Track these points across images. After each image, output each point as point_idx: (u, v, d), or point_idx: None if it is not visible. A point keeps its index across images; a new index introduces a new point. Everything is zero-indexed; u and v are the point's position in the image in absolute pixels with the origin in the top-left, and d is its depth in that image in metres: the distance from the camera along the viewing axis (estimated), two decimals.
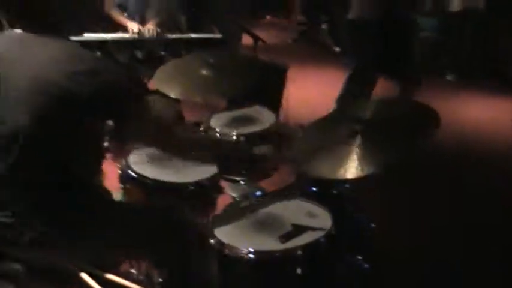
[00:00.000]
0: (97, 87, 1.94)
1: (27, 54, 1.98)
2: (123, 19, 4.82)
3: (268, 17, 11.80)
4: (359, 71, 5.14)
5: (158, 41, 4.61)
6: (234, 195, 3.03)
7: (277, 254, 2.11)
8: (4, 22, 2.31)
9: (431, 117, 2.26)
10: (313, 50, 9.12)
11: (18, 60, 1.97)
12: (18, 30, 2.03)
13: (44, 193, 2.00)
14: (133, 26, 4.66)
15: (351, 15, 5.06)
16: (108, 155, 3.96)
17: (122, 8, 4.92)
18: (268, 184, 3.14)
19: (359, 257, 2.60)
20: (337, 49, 9.04)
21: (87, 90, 1.92)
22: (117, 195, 2.48)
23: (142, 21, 4.79)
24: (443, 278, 3.24)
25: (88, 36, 4.44)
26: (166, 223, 2.24)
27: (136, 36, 4.60)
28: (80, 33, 4.31)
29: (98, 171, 2.30)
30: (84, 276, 2.08)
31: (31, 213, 1.99)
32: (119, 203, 2.45)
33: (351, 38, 5.32)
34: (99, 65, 2.02)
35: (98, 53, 4.28)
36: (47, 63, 1.95)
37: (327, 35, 9.50)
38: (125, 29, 4.72)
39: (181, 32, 4.96)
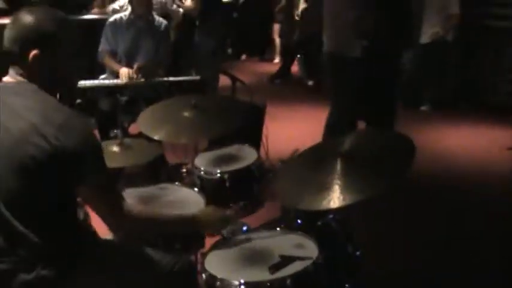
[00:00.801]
0: (66, 143, 1.93)
1: (8, 104, 2.00)
2: (114, 64, 4.91)
3: (243, 56, 11.98)
4: (341, 104, 5.21)
5: (139, 86, 4.69)
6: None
7: (268, 284, 2.16)
8: None
9: (408, 147, 2.35)
10: (289, 87, 9.27)
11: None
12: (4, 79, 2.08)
13: (30, 240, 1.99)
14: (121, 69, 4.76)
15: (329, 49, 5.15)
16: None
17: (112, 54, 5.02)
18: (254, 219, 3.20)
19: (347, 285, 2.66)
20: (310, 83, 9.20)
21: (64, 141, 1.92)
22: (109, 235, 2.52)
23: (129, 67, 4.88)
24: None
25: None
26: (158, 260, 2.28)
27: (117, 81, 4.68)
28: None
29: (87, 215, 2.33)
30: None
31: (19, 258, 2.00)
32: (111, 243, 2.49)
33: (330, 71, 5.36)
34: (73, 119, 2.00)
35: (80, 100, 4.36)
36: (28, 113, 1.96)
37: (302, 71, 9.69)
38: (111, 75, 4.81)
39: (162, 76, 5.05)
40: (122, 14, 5.14)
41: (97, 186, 2.06)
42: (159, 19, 5.20)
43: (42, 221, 2.01)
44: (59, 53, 2.09)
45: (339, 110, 5.00)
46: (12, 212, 1.97)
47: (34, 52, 2.03)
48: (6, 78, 2.09)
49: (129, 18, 5.05)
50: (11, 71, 2.09)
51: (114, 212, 2.12)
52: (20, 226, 1.98)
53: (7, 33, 2.06)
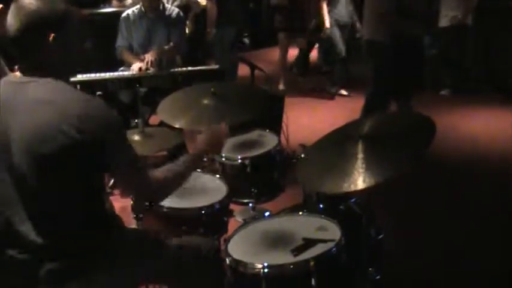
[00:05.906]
0: (93, 129, 1.93)
1: (25, 99, 1.98)
2: (130, 58, 4.93)
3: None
4: (375, 92, 5.29)
5: (158, 76, 4.70)
6: (243, 218, 3.11)
7: (291, 267, 2.18)
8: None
9: (429, 130, 2.34)
10: (307, 76, 9.24)
11: (17, 106, 1.98)
12: (16, 75, 2.06)
13: (59, 229, 2.02)
14: (134, 64, 4.77)
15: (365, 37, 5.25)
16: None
17: (129, 48, 5.04)
18: (276, 205, 3.22)
19: (370, 268, 2.67)
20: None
21: (86, 132, 1.91)
22: (131, 225, 2.55)
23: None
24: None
25: (90, 76, 4.56)
26: (183, 248, 2.30)
27: (136, 73, 4.70)
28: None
29: (111, 204, 2.32)
30: None
31: (47, 248, 2.02)
32: (137, 232, 2.51)
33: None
34: (92, 106, 1.98)
35: (100, 92, 4.39)
36: (46, 107, 1.94)
37: (321, 59, 9.62)
38: (128, 68, 4.83)
39: (179, 63, 5.07)
40: (134, 8, 5.15)
41: (126, 169, 2.05)
42: (170, 7, 5.20)
43: (68, 213, 2.02)
44: (72, 37, 2.06)
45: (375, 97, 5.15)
46: (37, 205, 1.99)
47: (51, 36, 1.98)
48: (18, 74, 2.05)
49: (140, 11, 5.06)
50: (21, 65, 2.05)
51: (144, 190, 2.13)
52: (45, 218, 2.00)
53: (14, 23, 1.98)
